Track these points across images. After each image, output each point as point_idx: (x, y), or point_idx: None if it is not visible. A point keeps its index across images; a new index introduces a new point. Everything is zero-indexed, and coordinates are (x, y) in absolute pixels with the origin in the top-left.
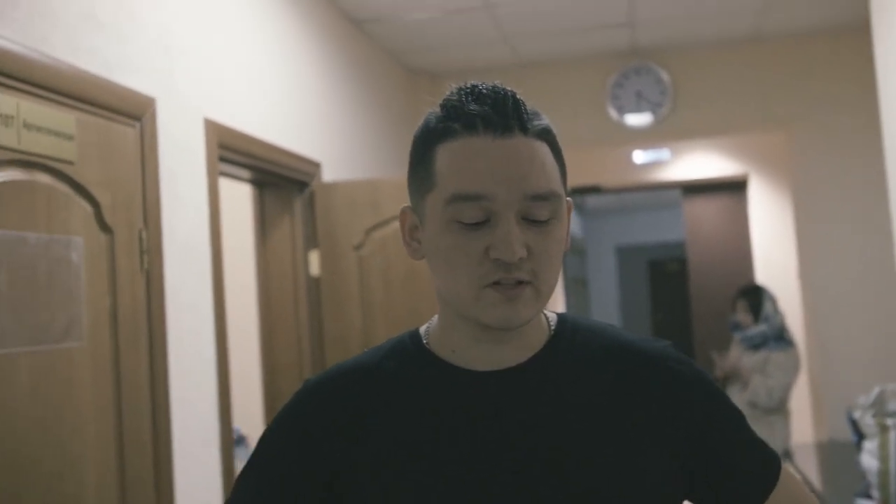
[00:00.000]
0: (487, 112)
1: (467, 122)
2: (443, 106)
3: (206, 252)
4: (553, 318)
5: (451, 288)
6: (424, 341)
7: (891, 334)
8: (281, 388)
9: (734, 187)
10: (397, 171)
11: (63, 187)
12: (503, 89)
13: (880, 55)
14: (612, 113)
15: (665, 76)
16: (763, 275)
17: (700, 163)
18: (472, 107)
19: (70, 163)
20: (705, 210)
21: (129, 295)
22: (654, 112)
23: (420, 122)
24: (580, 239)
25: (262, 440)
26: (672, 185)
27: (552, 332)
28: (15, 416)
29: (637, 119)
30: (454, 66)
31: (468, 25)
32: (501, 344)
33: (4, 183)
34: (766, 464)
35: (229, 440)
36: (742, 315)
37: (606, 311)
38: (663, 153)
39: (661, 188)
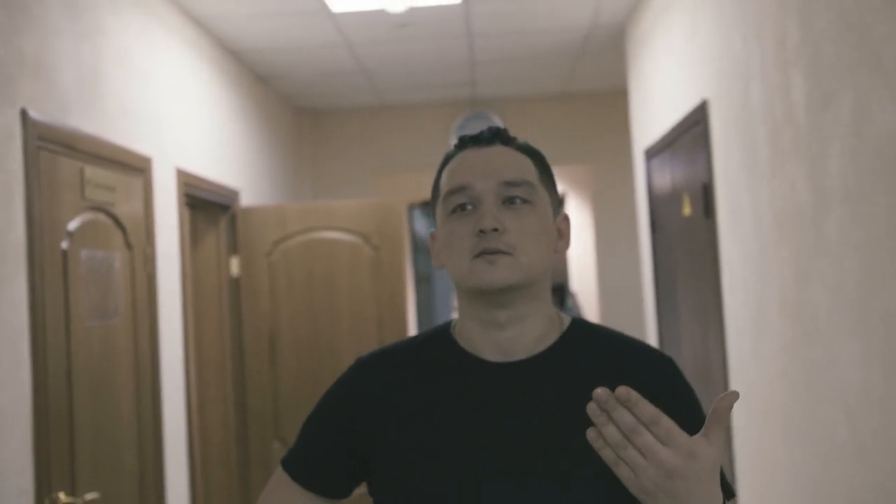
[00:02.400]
0: (476, 134)
1: (461, 144)
2: (455, 146)
3: (177, 260)
4: (567, 320)
5: (455, 267)
6: (451, 330)
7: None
8: (207, 357)
9: None
10: (293, 195)
11: (109, 221)
12: (497, 127)
13: (633, 111)
14: None
15: (498, 121)
16: (576, 275)
17: None
18: (470, 134)
19: (112, 204)
20: None
21: (141, 290)
22: None
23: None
24: (425, 239)
25: (319, 401)
26: None
27: (563, 332)
28: (108, 357)
29: None
30: (333, 106)
31: (347, 80)
32: (504, 330)
33: (86, 222)
34: (727, 490)
35: (193, 385)
36: None
37: (449, 305)
38: None
39: None
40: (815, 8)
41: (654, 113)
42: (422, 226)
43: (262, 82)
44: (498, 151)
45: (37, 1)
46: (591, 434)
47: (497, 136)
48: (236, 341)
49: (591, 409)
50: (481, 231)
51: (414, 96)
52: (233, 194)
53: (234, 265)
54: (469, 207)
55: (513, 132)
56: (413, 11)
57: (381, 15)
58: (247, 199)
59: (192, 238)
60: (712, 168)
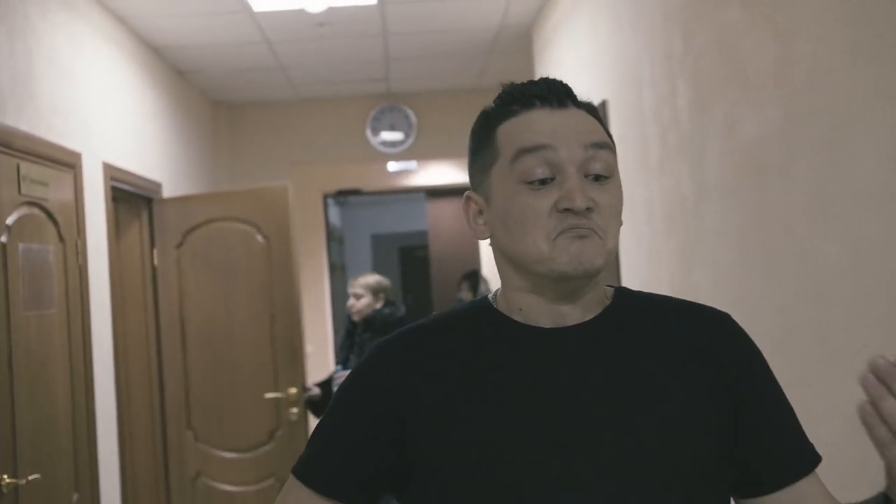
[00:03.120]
0: (543, 91)
1: (525, 101)
2: (500, 96)
3: (104, 250)
4: (610, 290)
5: (527, 247)
6: (494, 305)
7: None
8: (134, 345)
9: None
10: (212, 187)
11: (43, 216)
12: (554, 78)
13: None
14: (371, 137)
15: (411, 113)
16: (487, 261)
17: (440, 173)
18: (529, 89)
19: (46, 199)
20: (443, 209)
21: (73, 280)
22: (404, 137)
23: (476, 120)
24: (339, 227)
25: (338, 394)
26: (418, 190)
27: (611, 299)
28: (45, 345)
29: (391, 139)
30: (250, 99)
31: (265, 75)
32: (568, 303)
33: (22, 216)
34: (805, 451)
35: (122, 372)
36: (465, 293)
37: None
38: (411, 164)
39: (408, 192)
40: (695, 26)
41: None
42: (336, 215)
43: (181, 77)
44: (574, 113)
45: None
46: (864, 409)
47: (567, 96)
48: (155, 331)
49: (868, 381)
50: (568, 210)
51: (330, 90)
52: (155, 186)
53: (156, 256)
54: (548, 180)
55: (425, 125)
56: (331, 11)
57: (300, 14)
58: (168, 191)
59: (119, 230)
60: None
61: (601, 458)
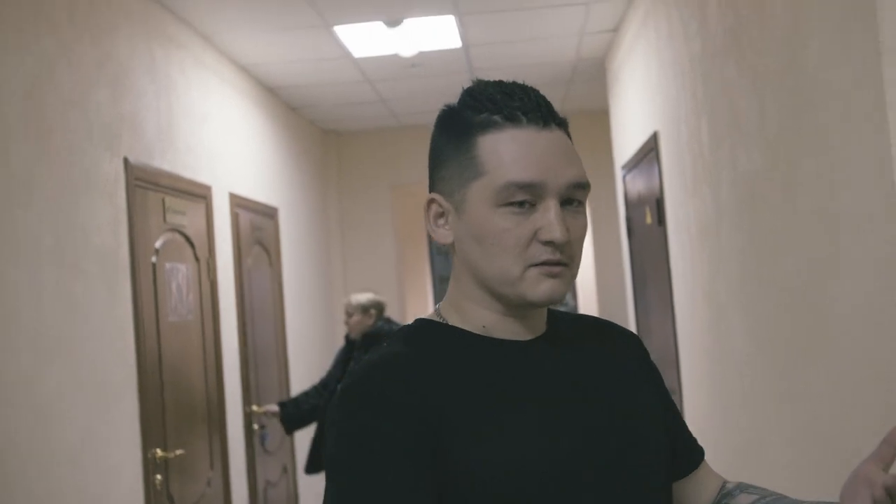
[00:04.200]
0: (527, 106)
1: (509, 115)
2: (474, 98)
3: (231, 267)
4: None
5: (498, 268)
6: (446, 322)
7: None
8: (263, 346)
9: None
10: (323, 208)
11: (182, 239)
12: (529, 87)
13: (613, 131)
14: None
15: None
16: None
17: None
18: (511, 101)
19: (184, 226)
20: None
21: (206, 293)
22: None
23: (442, 115)
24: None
25: (364, 435)
26: None
27: (548, 313)
28: (185, 346)
29: None
30: (355, 128)
31: (368, 108)
32: (525, 319)
33: (167, 240)
34: (696, 442)
35: (249, 369)
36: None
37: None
38: None
39: None
40: (711, 72)
41: (626, 134)
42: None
43: (294, 112)
44: (558, 138)
45: (131, 71)
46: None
47: (549, 113)
48: (282, 334)
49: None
50: (550, 242)
51: (428, 118)
52: (273, 211)
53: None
54: (527, 203)
55: None
56: (421, 54)
57: (395, 58)
58: (284, 214)
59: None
60: (663, 186)
61: (610, 459)
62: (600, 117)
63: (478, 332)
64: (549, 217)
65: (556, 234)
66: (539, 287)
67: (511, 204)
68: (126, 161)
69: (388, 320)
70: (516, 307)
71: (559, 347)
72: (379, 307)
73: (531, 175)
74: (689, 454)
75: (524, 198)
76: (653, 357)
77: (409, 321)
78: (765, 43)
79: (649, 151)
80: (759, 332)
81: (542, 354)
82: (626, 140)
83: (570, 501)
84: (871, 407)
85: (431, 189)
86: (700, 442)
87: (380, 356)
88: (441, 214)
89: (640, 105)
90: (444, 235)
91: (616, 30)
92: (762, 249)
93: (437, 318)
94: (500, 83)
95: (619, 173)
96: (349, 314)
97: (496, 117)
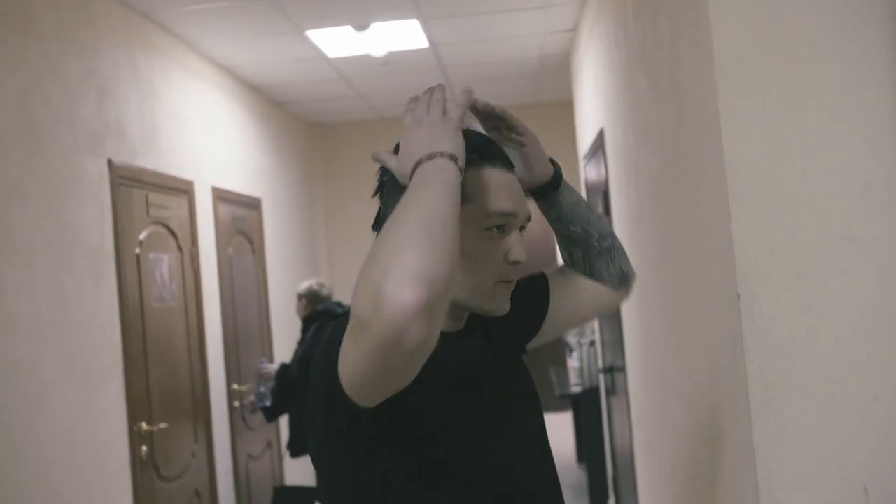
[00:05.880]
0: (497, 152)
1: (486, 155)
2: None
3: (213, 256)
4: None
5: (473, 280)
6: None
7: None
8: (244, 328)
9: None
10: (308, 198)
11: (165, 231)
12: (488, 137)
13: (577, 121)
14: None
15: (479, 127)
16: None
17: None
18: (487, 147)
19: (168, 219)
20: None
21: (189, 281)
22: None
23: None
24: None
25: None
26: None
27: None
28: (168, 329)
29: None
30: (339, 120)
31: (348, 103)
32: (460, 318)
33: (150, 233)
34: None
35: (231, 350)
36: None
37: None
38: None
39: None
40: (633, 79)
41: (584, 128)
42: None
43: (279, 107)
44: (516, 181)
45: (114, 81)
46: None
47: (511, 163)
48: (266, 317)
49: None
50: (516, 262)
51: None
52: (256, 202)
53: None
54: (503, 229)
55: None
56: (392, 54)
57: (367, 58)
58: (268, 205)
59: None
60: (608, 179)
61: (498, 416)
62: (568, 108)
63: None
64: (516, 242)
65: (523, 256)
66: (501, 301)
67: (491, 228)
68: (110, 162)
69: (339, 304)
70: (462, 311)
71: (477, 341)
72: (309, 294)
73: (511, 206)
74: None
75: (502, 223)
76: (604, 337)
77: None
78: (660, 56)
79: (598, 146)
80: (666, 308)
81: (463, 348)
82: (584, 133)
83: (475, 442)
84: (718, 364)
85: None
86: (638, 391)
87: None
88: None
89: (591, 102)
90: None
91: (574, 29)
92: (668, 240)
93: None
94: (468, 131)
95: (581, 163)
96: (299, 300)
97: (474, 156)
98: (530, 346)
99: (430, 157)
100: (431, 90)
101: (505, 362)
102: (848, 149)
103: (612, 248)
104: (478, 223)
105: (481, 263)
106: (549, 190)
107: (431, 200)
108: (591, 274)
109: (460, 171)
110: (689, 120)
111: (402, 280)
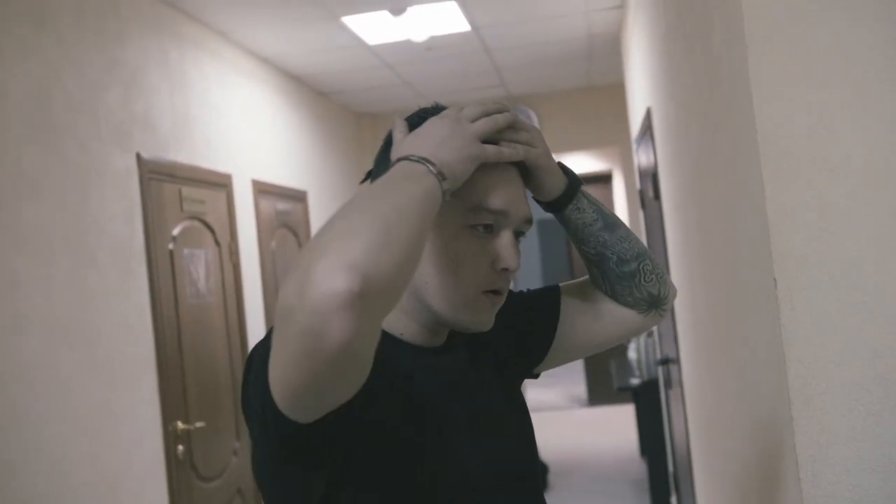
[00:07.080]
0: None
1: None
2: None
3: (255, 250)
4: None
5: (448, 286)
6: None
7: None
8: None
9: (603, 179)
10: (354, 190)
11: (200, 226)
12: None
13: (629, 102)
14: None
15: (532, 114)
16: None
17: (568, 163)
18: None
19: (204, 213)
20: None
21: (228, 275)
22: None
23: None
24: None
25: None
26: None
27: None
28: (206, 325)
29: None
30: (387, 109)
31: (394, 91)
32: (436, 336)
33: (185, 228)
34: (547, 295)
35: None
36: None
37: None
38: None
39: None
40: (673, 52)
41: (635, 108)
42: None
43: (324, 97)
44: (517, 177)
45: (143, 71)
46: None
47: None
48: None
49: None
50: (505, 269)
51: (454, 97)
52: (301, 194)
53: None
54: (491, 228)
55: (547, 122)
56: (433, 38)
57: (408, 43)
58: (314, 198)
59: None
60: (657, 161)
61: (485, 439)
62: (621, 91)
63: (398, 338)
64: (507, 246)
65: (514, 263)
66: (482, 315)
67: (476, 226)
68: (138, 156)
69: None
70: (439, 324)
71: (460, 355)
72: None
73: (501, 203)
74: (546, 303)
75: (489, 221)
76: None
77: None
78: (693, 22)
79: (647, 127)
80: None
81: (446, 362)
82: (635, 115)
83: (429, 476)
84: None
85: None
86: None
87: None
88: None
89: (640, 82)
90: None
91: (622, 6)
92: (707, 221)
93: None
94: None
95: (634, 146)
96: None
97: None
98: (541, 369)
99: (428, 163)
100: (503, 109)
101: (489, 386)
102: (894, 115)
103: (637, 273)
104: (459, 218)
105: (462, 266)
106: (557, 207)
107: (405, 199)
108: (614, 296)
109: (443, 195)
110: (722, 89)
111: (336, 264)
